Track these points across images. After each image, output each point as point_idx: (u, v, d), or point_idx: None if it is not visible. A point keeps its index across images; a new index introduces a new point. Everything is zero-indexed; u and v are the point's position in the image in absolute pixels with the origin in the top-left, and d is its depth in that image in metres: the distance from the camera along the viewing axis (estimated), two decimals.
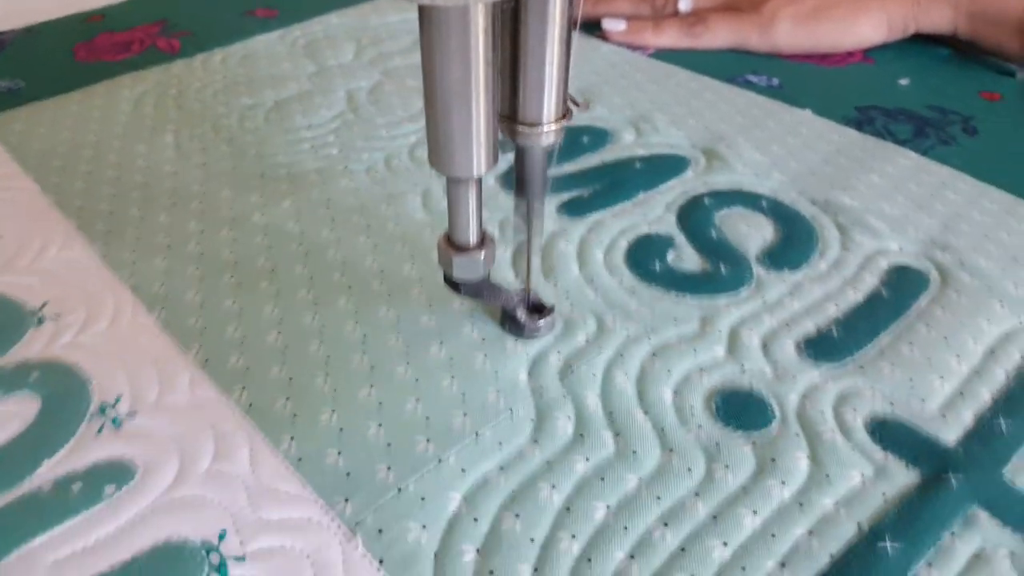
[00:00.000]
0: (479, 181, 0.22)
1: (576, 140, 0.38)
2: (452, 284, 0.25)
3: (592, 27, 0.50)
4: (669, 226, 0.32)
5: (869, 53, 0.47)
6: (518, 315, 0.26)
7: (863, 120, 0.40)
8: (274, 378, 0.25)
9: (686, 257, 0.31)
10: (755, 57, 0.47)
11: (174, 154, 0.38)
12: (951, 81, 0.44)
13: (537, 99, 0.21)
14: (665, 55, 0.47)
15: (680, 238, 0.32)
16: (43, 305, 0.29)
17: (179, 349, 0.27)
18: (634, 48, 0.48)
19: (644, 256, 0.31)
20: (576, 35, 0.21)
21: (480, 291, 0.25)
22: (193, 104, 0.42)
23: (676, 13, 0.49)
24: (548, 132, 0.21)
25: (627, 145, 0.38)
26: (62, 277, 0.30)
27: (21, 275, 0.30)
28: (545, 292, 0.28)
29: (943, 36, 0.47)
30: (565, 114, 0.22)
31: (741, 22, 0.47)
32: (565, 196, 0.34)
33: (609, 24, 0.48)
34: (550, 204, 0.34)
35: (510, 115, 0.21)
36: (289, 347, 0.26)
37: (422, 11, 0.18)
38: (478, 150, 0.20)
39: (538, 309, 0.27)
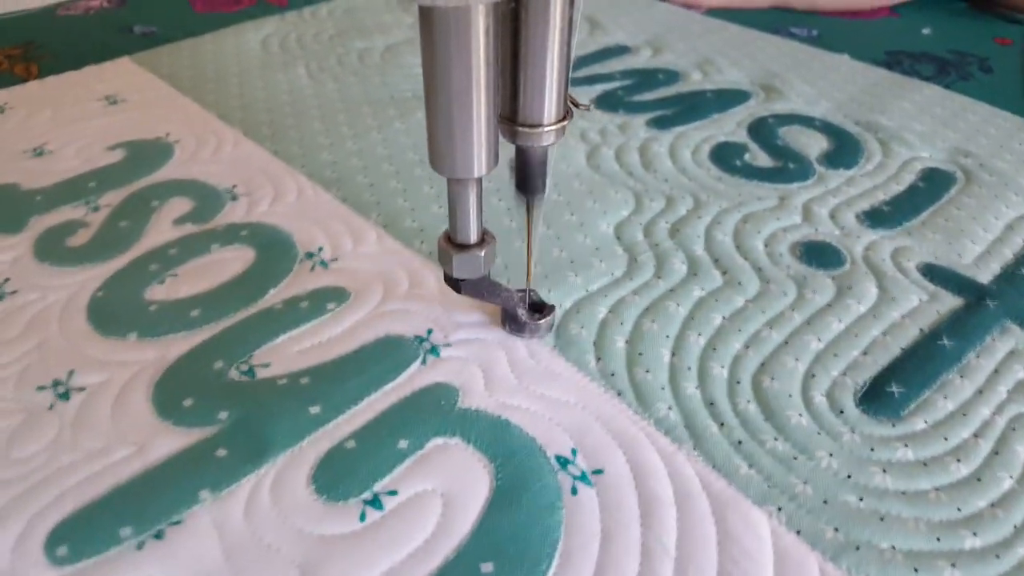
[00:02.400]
0: (479, 181, 0.22)
1: (652, 78, 0.45)
2: (452, 282, 0.25)
3: None
4: (742, 137, 0.39)
5: (895, 8, 0.54)
6: (519, 314, 0.27)
7: (892, 62, 0.47)
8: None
9: (760, 158, 0.37)
10: (796, 14, 0.54)
11: (309, 82, 0.44)
12: (969, 29, 0.51)
13: (538, 100, 0.21)
14: (717, 13, 0.54)
15: (753, 146, 0.38)
16: (233, 186, 0.35)
17: (361, 215, 0.33)
18: (689, 7, 0.55)
19: (726, 155, 0.37)
20: (576, 36, 0.21)
21: (480, 290, 0.25)
22: (313, 45, 0.48)
23: None
24: (548, 133, 0.21)
25: (696, 82, 0.44)
26: (243, 167, 0.36)
27: (206, 165, 0.36)
28: (645, 180, 0.35)
29: None
30: (565, 115, 0.22)
31: None
32: (651, 115, 0.41)
33: None
34: (639, 119, 0.40)
35: (510, 116, 0.21)
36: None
37: (422, 12, 0.18)
38: (479, 151, 0.20)
39: (538, 308, 0.27)
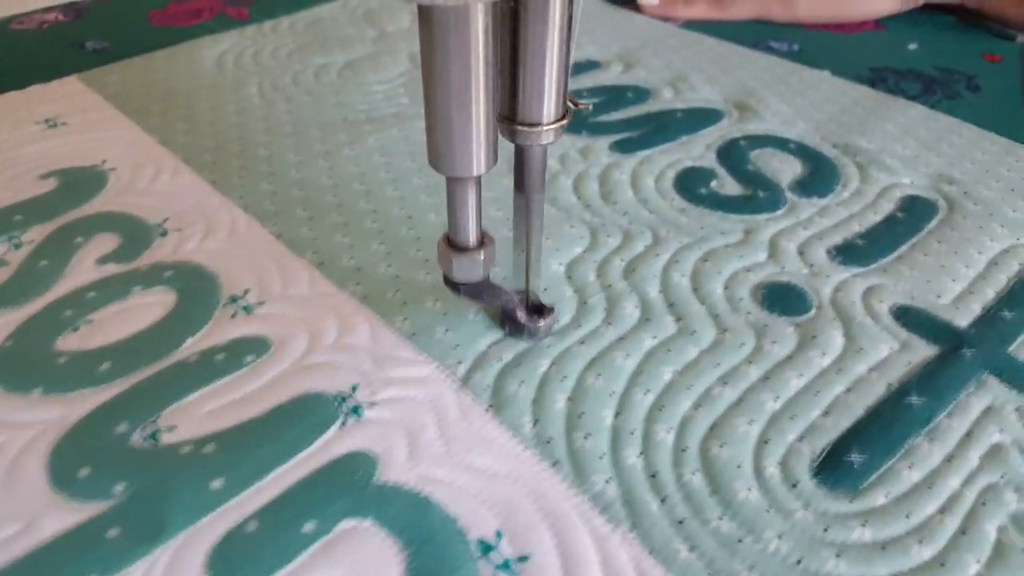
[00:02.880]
0: (479, 181, 0.22)
1: (621, 96, 0.42)
2: (452, 285, 0.25)
3: (626, 0, 0.55)
4: (710, 161, 0.37)
5: (881, 22, 0.52)
6: (518, 316, 0.26)
7: (876, 79, 0.45)
8: (383, 274, 0.29)
9: (728, 185, 0.35)
10: (776, 26, 0.51)
11: (261, 102, 0.42)
12: (956, 45, 0.48)
13: (537, 100, 0.21)
14: (694, 25, 0.52)
15: (721, 171, 0.36)
16: (164, 220, 0.33)
17: (295, 253, 0.31)
18: (666, 19, 0.52)
19: (690, 183, 0.35)
20: (576, 36, 0.21)
21: (480, 292, 0.25)
22: (270, 62, 0.46)
23: None
24: (547, 132, 0.21)
25: (667, 100, 0.42)
26: (178, 199, 0.34)
27: (140, 197, 0.34)
28: (602, 213, 0.33)
29: (948, 5, 0.51)
30: (564, 115, 0.22)
31: None
32: (615, 137, 0.38)
33: None
34: (603, 142, 0.38)
35: (510, 115, 0.21)
36: (392, 252, 0.30)
37: (422, 11, 0.18)
38: (478, 150, 0.20)
39: (538, 310, 0.27)
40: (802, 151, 0.37)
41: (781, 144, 0.38)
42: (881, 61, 0.47)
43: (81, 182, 0.35)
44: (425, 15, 0.18)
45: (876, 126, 0.40)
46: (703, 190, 0.34)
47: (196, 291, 0.29)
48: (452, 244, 0.24)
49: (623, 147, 0.38)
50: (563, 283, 0.29)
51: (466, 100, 0.19)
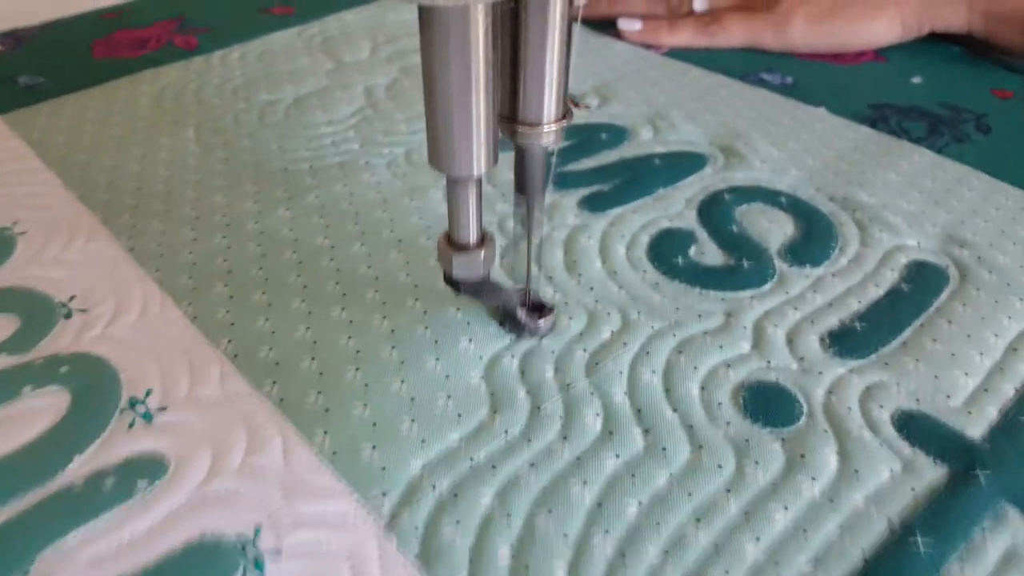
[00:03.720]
0: (479, 180, 0.22)
1: (594, 137, 0.38)
2: (452, 283, 0.25)
3: (606, 26, 0.51)
4: (690, 221, 0.33)
5: (882, 52, 0.48)
6: (518, 314, 0.26)
7: (877, 118, 0.40)
8: (305, 371, 0.25)
9: (708, 252, 0.31)
10: (768, 56, 0.47)
11: (196, 148, 0.38)
12: (964, 79, 0.44)
13: (537, 99, 0.21)
14: (679, 54, 0.48)
15: (702, 233, 0.32)
16: (71, 298, 0.29)
17: (209, 342, 0.27)
18: (648, 47, 0.48)
19: (666, 250, 0.31)
20: (576, 36, 0.21)
21: (480, 290, 0.25)
22: (213, 100, 0.42)
23: (691, 12, 0.49)
24: (548, 132, 0.22)
25: (645, 142, 0.38)
26: (89, 270, 0.30)
27: (48, 268, 0.31)
28: (566, 288, 0.29)
29: (954, 34, 0.47)
30: (565, 115, 0.22)
31: (755, 21, 0.47)
32: (585, 191, 0.34)
33: (625, 24, 0.49)
34: (570, 199, 0.34)
35: (510, 115, 0.22)
36: (319, 341, 0.27)
37: (422, 11, 0.18)
38: (478, 149, 0.20)
39: (538, 308, 0.27)
40: (795, 206, 0.33)
41: (771, 197, 0.34)
42: (882, 97, 0.43)
43: None
44: (425, 15, 0.18)
45: (878, 175, 0.36)
46: (680, 259, 0.30)
47: (93, 392, 0.25)
48: (452, 243, 0.24)
49: (593, 204, 0.33)
50: (516, 381, 0.25)
51: (466, 100, 0.19)
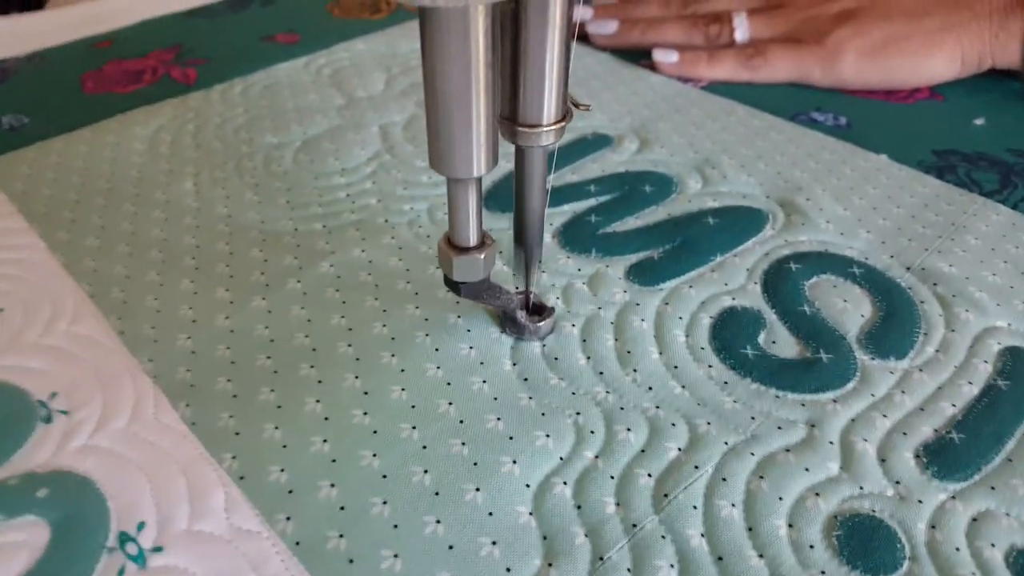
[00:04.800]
0: (479, 182, 0.22)
1: (637, 189, 0.35)
2: (452, 285, 0.25)
3: (637, 55, 0.47)
4: (755, 298, 0.29)
5: (937, 89, 0.44)
6: (518, 317, 0.26)
7: (943, 167, 0.37)
8: (324, 501, 0.22)
9: (780, 340, 0.27)
10: (815, 92, 0.44)
11: (195, 203, 0.34)
12: None
13: (537, 100, 0.21)
14: (719, 88, 0.44)
15: (770, 314, 0.28)
16: (52, 396, 0.25)
17: (210, 457, 0.23)
18: (686, 80, 0.45)
19: (732, 337, 0.27)
20: (575, 38, 0.21)
21: (480, 292, 0.25)
22: (213, 143, 0.38)
23: (731, 43, 0.46)
24: (548, 133, 0.22)
25: (694, 195, 0.34)
26: (74, 359, 0.27)
27: (27, 356, 0.27)
28: (621, 387, 0.25)
29: (1014, 70, 0.43)
30: (565, 115, 0.22)
31: (803, 55, 0.44)
32: (632, 258, 0.31)
33: (661, 55, 0.45)
34: (617, 267, 0.30)
35: (510, 116, 0.22)
36: (339, 459, 0.23)
37: (422, 12, 0.18)
38: (478, 151, 0.20)
39: (538, 310, 0.27)
40: (870, 280, 0.30)
41: (842, 268, 0.30)
42: (945, 142, 0.39)
43: None
44: (425, 16, 0.18)
45: (956, 239, 0.32)
46: (749, 349, 0.27)
47: (77, 525, 0.21)
48: (452, 244, 0.23)
49: (642, 275, 0.30)
50: (571, 518, 0.21)
51: (466, 101, 0.19)
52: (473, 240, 0.23)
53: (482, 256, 0.23)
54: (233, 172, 0.36)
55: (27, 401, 0.25)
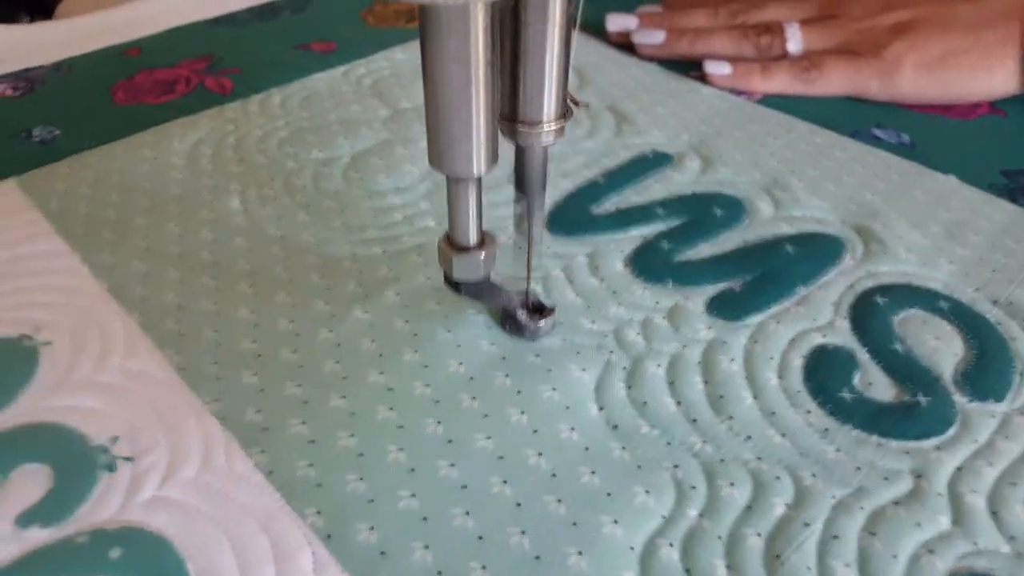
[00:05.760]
0: (479, 181, 0.22)
1: (707, 213, 0.33)
2: (452, 284, 0.25)
3: (685, 66, 0.45)
4: (845, 335, 0.28)
5: (998, 104, 0.43)
6: (519, 316, 0.26)
7: (1015, 189, 0.36)
8: (418, 564, 0.20)
9: (876, 381, 0.26)
10: (871, 106, 0.42)
11: (244, 223, 0.33)
12: None
13: (537, 98, 0.21)
14: (773, 102, 0.42)
15: (862, 354, 0.27)
16: (113, 440, 0.24)
17: (293, 512, 0.22)
18: (739, 93, 0.43)
19: (827, 379, 0.26)
20: (575, 37, 0.21)
21: (480, 292, 0.25)
22: (256, 157, 0.37)
23: (784, 55, 0.44)
24: (548, 131, 0.22)
25: (767, 220, 0.33)
26: (131, 398, 0.25)
27: (80, 395, 0.25)
28: (717, 436, 0.24)
29: None
30: (565, 113, 0.22)
31: (859, 68, 0.42)
32: (711, 290, 0.29)
33: (713, 67, 0.43)
34: (697, 300, 0.29)
35: (510, 114, 0.22)
36: (431, 517, 0.21)
37: (422, 11, 0.18)
38: (478, 149, 0.20)
39: (539, 309, 0.27)
40: (958, 315, 0.28)
41: (929, 302, 0.29)
42: (1012, 161, 0.38)
43: (2, 366, 0.26)
44: (425, 15, 0.18)
45: None
46: (846, 392, 0.25)
47: None
48: (452, 244, 0.24)
49: (725, 309, 0.28)
50: None
51: (466, 100, 0.19)
52: (473, 239, 0.23)
53: (482, 255, 0.24)
54: (282, 190, 0.35)
55: (87, 446, 0.24)
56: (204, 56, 0.46)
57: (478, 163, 0.21)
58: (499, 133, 0.22)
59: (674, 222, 0.33)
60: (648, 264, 0.30)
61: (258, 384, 0.25)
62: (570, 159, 0.37)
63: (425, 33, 0.18)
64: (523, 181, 0.24)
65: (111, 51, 0.47)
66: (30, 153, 0.37)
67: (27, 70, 0.44)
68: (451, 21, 0.18)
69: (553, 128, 0.22)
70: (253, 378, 0.26)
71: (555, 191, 0.34)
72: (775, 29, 0.44)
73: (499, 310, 0.27)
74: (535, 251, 0.25)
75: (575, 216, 0.33)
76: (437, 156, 0.21)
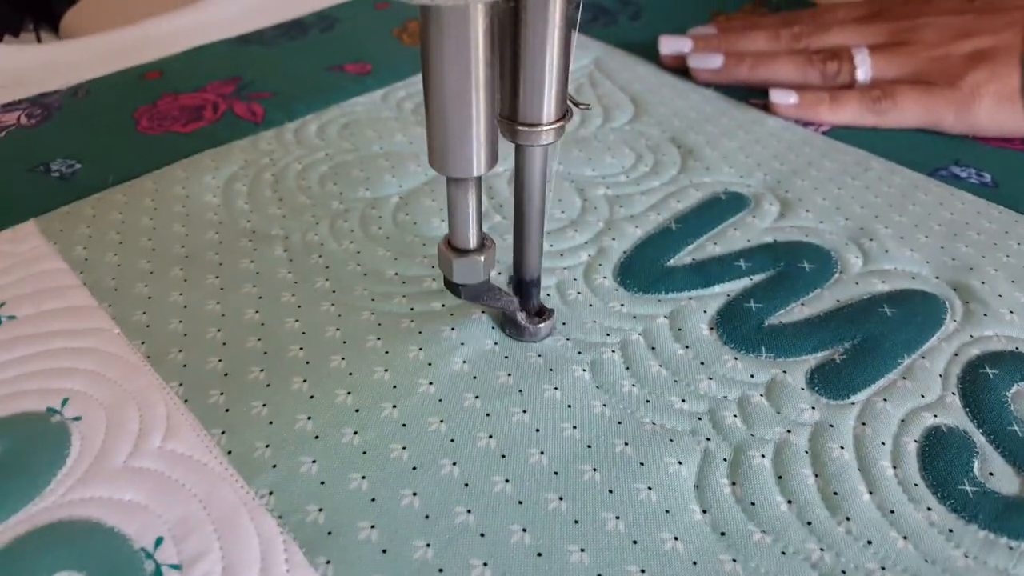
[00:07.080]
0: (479, 182, 0.22)
1: (795, 266, 0.30)
2: (452, 287, 0.25)
3: (744, 93, 0.43)
4: (958, 414, 0.25)
5: None
6: (518, 319, 0.26)
7: None
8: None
9: (997, 470, 0.23)
10: (946, 140, 0.40)
11: (290, 275, 0.30)
12: None
13: (537, 99, 0.21)
14: (841, 133, 0.40)
15: (978, 436, 0.24)
16: (157, 543, 0.21)
17: None
18: (806, 124, 0.41)
19: (947, 468, 0.23)
20: (575, 37, 0.21)
21: (480, 294, 0.25)
22: (297, 196, 0.34)
23: (852, 83, 0.42)
24: (548, 132, 0.22)
25: (859, 274, 0.30)
26: (175, 489, 0.22)
27: (116, 485, 0.23)
28: (834, 541, 0.21)
29: None
30: (565, 114, 0.22)
31: (935, 98, 0.40)
32: (811, 360, 0.27)
33: (778, 96, 0.41)
34: (796, 372, 0.26)
35: (510, 115, 0.22)
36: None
37: (422, 11, 0.18)
38: (478, 150, 0.20)
39: (539, 312, 0.27)
40: None
41: None
42: None
43: (25, 451, 0.23)
44: (425, 15, 0.18)
45: None
46: (968, 485, 0.23)
47: None
48: (452, 246, 0.23)
49: (827, 384, 0.26)
50: None
51: (465, 100, 0.19)
52: (473, 242, 0.23)
53: (482, 258, 0.23)
54: (328, 235, 0.32)
55: (128, 550, 0.21)
56: (231, 79, 0.43)
57: (478, 163, 0.20)
58: (499, 134, 0.21)
59: (759, 277, 0.30)
60: (736, 328, 0.28)
61: (318, 475, 0.23)
62: (636, 201, 0.34)
63: (425, 33, 0.18)
64: (523, 181, 0.24)
65: (131, 73, 0.44)
66: (49, 189, 0.34)
67: (43, 95, 0.41)
68: (451, 22, 0.18)
69: (553, 129, 0.22)
70: (312, 467, 0.23)
71: (624, 240, 0.32)
72: (843, 55, 0.42)
73: (499, 313, 0.27)
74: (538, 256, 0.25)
75: (648, 269, 0.30)
76: (437, 156, 0.21)
